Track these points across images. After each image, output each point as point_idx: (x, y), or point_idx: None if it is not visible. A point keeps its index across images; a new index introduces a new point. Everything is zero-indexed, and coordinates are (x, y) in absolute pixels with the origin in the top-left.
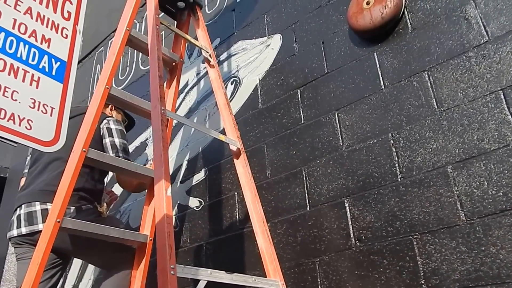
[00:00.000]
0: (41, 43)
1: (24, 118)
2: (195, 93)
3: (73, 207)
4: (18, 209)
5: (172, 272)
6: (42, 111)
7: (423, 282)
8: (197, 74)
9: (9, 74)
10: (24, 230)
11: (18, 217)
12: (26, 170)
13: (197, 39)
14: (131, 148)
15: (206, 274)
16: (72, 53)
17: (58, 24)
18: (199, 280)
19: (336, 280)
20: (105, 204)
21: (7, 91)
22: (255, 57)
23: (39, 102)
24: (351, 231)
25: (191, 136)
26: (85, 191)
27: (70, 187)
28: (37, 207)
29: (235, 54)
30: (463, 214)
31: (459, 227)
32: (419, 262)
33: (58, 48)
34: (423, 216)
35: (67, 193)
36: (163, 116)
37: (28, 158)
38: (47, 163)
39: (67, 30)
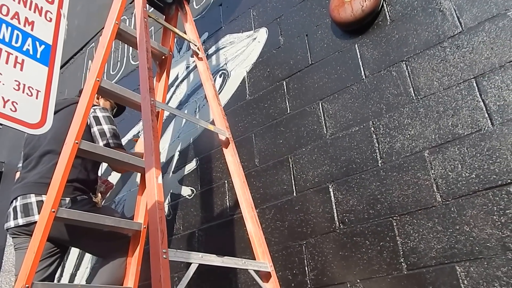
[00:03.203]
0: (25, 26)
1: (8, 100)
2: (185, 86)
3: (68, 198)
4: (14, 201)
5: (164, 256)
6: (27, 93)
7: (402, 260)
8: (187, 67)
9: None
10: (21, 221)
11: (14, 208)
12: (20, 164)
13: (185, 33)
14: (123, 141)
15: (197, 258)
16: (57, 37)
17: (41, 7)
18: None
19: (322, 260)
20: (99, 194)
21: None
22: (242, 50)
23: (24, 85)
24: (335, 215)
25: (182, 128)
26: (79, 182)
27: (64, 178)
28: (33, 198)
29: (223, 48)
30: (439, 196)
31: (435, 208)
32: (398, 242)
33: (42, 31)
34: (402, 199)
35: (61, 183)
36: (153, 107)
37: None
38: (40, 156)
39: (51, 13)
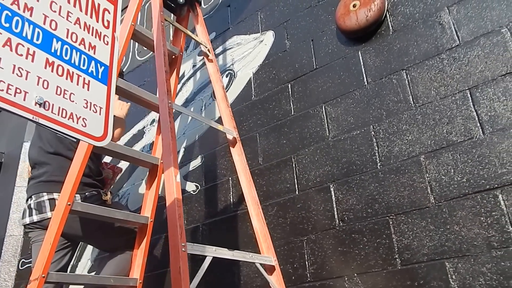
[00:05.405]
0: (89, 50)
1: (80, 117)
2: (192, 85)
3: (79, 196)
4: (29, 199)
5: (183, 249)
6: (93, 110)
7: (397, 256)
8: (193, 66)
9: (66, 79)
10: (35, 218)
11: (29, 206)
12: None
13: (195, 34)
14: (128, 136)
15: (211, 251)
16: (113, 57)
17: (100, 32)
18: (196, 259)
19: (322, 256)
20: (109, 193)
21: (66, 93)
22: (249, 52)
23: (91, 103)
24: (335, 213)
25: (188, 125)
26: (87, 177)
27: (80, 173)
28: (45, 197)
29: (230, 48)
30: (432, 198)
31: (429, 208)
32: (394, 239)
33: (101, 54)
34: (398, 199)
35: (77, 178)
36: (170, 109)
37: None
38: (47, 158)
39: (108, 37)
